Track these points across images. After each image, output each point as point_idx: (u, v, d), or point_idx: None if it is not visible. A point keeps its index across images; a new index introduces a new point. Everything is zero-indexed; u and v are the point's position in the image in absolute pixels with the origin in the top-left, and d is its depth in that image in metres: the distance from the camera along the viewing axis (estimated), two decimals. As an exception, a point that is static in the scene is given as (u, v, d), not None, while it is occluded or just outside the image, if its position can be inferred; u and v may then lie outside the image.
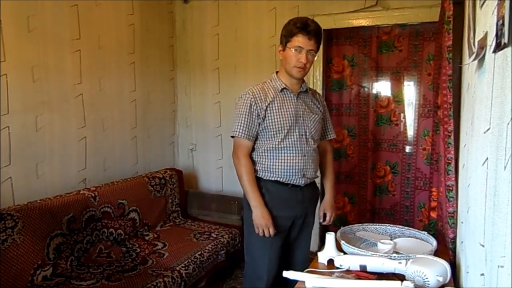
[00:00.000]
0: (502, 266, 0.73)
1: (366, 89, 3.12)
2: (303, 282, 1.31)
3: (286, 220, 1.87)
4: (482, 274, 0.93)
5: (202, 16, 3.49)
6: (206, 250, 2.61)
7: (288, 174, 1.82)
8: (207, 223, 3.13)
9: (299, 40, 1.74)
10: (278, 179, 1.83)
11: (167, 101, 3.60)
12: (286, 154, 1.82)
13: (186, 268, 2.36)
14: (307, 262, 1.81)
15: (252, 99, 1.81)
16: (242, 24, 3.34)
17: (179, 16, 3.58)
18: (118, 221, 2.66)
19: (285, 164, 1.82)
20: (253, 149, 1.87)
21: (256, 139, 1.85)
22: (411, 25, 2.88)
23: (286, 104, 1.83)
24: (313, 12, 3.04)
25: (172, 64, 3.62)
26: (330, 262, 1.52)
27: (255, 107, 1.80)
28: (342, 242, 1.59)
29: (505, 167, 0.74)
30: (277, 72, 1.91)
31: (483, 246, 0.94)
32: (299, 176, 1.84)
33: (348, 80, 3.13)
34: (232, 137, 1.86)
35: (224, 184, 3.58)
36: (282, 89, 1.84)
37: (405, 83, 3.00)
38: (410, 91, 3.00)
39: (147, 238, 2.77)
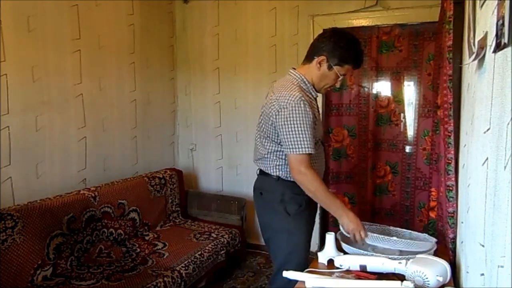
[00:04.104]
0: (502, 266, 0.73)
1: (366, 89, 3.11)
2: (303, 282, 1.31)
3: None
4: (482, 274, 0.93)
5: (202, 16, 3.49)
6: (206, 250, 2.61)
7: None
8: (207, 223, 3.13)
9: (349, 69, 1.74)
10: None
11: (167, 101, 3.60)
12: (317, 162, 1.77)
13: (186, 268, 2.36)
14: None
15: (310, 108, 1.64)
16: (242, 24, 3.34)
17: (179, 16, 3.58)
18: (118, 221, 2.66)
19: (316, 169, 1.73)
20: (277, 152, 1.74)
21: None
22: (411, 25, 2.88)
23: (317, 112, 1.79)
24: (313, 12, 3.05)
25: (172, 64, 3.62)
26: (330, 262, 1.52)
27: (312, 116, 1.65)
28: (343, 244, 1.59)
29: (505, 167, 0.74)
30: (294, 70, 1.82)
31: (483, 246, 0.94)
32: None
33: (348, 80, 3.13)
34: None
35: (224, 184, 3.58)
36: (315, 98, 1.80)
37: (405, 83, 3.00)
38: (410, 91, 2.99)
39: (147, 238, 2.77)
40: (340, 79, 1.74)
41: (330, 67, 1.70)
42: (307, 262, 1.75)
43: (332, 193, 1.70)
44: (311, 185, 1.62)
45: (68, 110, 2.64)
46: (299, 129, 1.60)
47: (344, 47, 1.68)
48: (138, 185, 2.89)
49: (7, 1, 2.21)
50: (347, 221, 1.62)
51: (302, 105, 1.60)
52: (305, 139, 1.60)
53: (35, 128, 2.42)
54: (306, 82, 1.74)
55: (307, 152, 1.60)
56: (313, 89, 1.76)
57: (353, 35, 1.77)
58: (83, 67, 2.71)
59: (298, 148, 1.60)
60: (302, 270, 1.62)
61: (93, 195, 2.50)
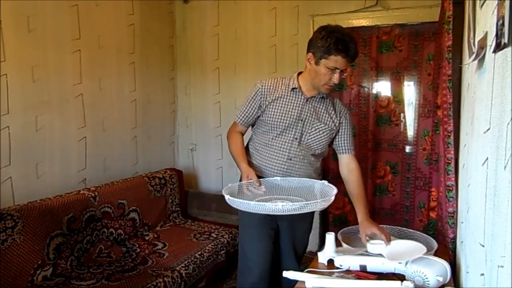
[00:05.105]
0: (502, 266, 0.73)
1: (366, 89, 3.11)
2: (303, 282, 1.31)
3: (270, 218, 1.84)
4: (482, 274, 0.93)
5: (202, 16, 3.49)
6: (206, 250, 2.61)
7: (267, 173, 1.81)
8: (207, 223, 3.13)
9: (337, 61, 1.65)
10: (259, 174, 1.79)
11: (167, 101, 3.60)
12: (272, 153, 1.81)
13: (186, 268, 2.36)
14: (301, 265, 1.83)
15: (259, 90, 1.84)
16: (242, 24, 3.34)
17: (179, 16, 3.58)
18: (118, 221, 2.66)
19: (268, 163, 1.82)
20: (251, 139, 1.95)
21: (254, 129, 1.94)
22: (411, 25, 2.88)
23: (291, 104, 1.79)
24: (313, 12, 3.05)
25: (172, 64, 3.62)
26: (330, 262, 1.52)
27: (259, 98, 1.83)
28: (344, 245, 1.59)
29: (505, 167, 0.74)
30: (299, 73, 1.86)
31: (483, 246, 0.94)
32: None
33: (348, 80, 3.13)
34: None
35: (224, 184, 3.56)
36: (292, 89, 1.81)
37: (405, 83, 3.00)
38: (410, 91, 2.99)
39: (147, 238, 2.77)
40: (333, 72, 1.67)
41: (317, 62, 1.70)
42: (256, 246, 1.85)
43: (242, 154, 1.82)
44: (228, 143, 1.92)
45: (68, 110, 2.64)
46: (244, 101, 1.91)
47: (323, 38, 1.66)
48: (138, 185, 2.89)
49: (7, 1, 2.21)
50: (241, 170, 1.77)
51: (255, 85, 1.87)
52: (239, 110, 1.92)
53: (35, 128, 2.42)
54: (294, 76, 1.85)
55: (235, 119, 1.93)
56: (296, 83, 1.82)
57: (339, 26, 1.74)
58: (83, 67, 2.71)
59: (236, 114, 1.94)
60: (248, 247, 1.86)
61: (93, 195, 2.50)
